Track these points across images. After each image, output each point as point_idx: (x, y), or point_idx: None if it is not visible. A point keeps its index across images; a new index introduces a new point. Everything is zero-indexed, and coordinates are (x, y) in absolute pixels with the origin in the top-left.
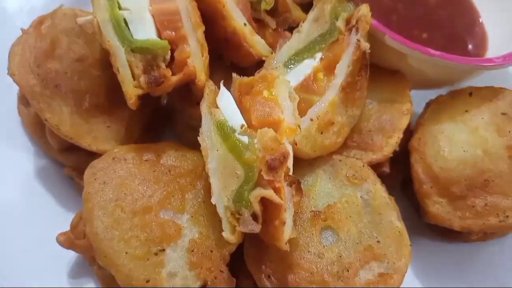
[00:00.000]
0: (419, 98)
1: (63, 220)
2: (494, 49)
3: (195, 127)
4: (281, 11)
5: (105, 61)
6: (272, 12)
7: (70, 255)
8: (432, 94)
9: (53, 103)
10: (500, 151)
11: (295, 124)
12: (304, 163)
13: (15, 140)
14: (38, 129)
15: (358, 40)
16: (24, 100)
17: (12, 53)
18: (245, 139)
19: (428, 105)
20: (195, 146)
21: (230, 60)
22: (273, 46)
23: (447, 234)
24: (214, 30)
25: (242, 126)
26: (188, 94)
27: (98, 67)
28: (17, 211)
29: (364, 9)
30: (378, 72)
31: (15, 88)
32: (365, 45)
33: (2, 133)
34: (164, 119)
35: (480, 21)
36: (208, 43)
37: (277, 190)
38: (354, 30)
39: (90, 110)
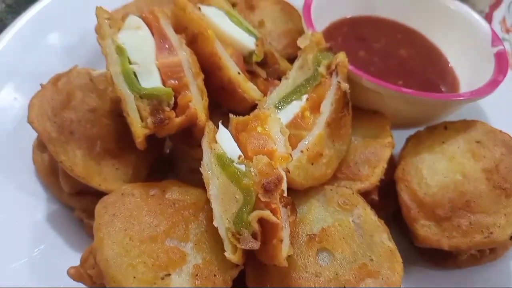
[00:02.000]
0: (399, 136)
1: (73, 260)
2: (466, 90)
3: (197, 170)
4: (270, 63)
5: (115, 111)
6: (263, 64)
7: None
8: (411, 131)
9: (67, 147)
10: (477, 174)
11: (287, 153)
12: (299, 194)
13: (29, 187)
14: (51, 175)
15: (339, 82)
16: (40, 146)
17: (31, 105)
18: (242, 167)
19: (408, 140)
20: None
21: (227, 107)
22: (264, 93)
23: (440, 260)
24: (211, 80)
25: (239, 157)
26: (190, 138)
27: (108, 116)
28: (28, 253)
29: (341, 55)
30: (360, 113)
31: (30, 140)
32: (345, 86)
33: (17, 182)
34: (167, 165)
35: (450, 66)
36: (207, 91)
37: (273, 211)
38: (334, 73)
39: (101, 154)
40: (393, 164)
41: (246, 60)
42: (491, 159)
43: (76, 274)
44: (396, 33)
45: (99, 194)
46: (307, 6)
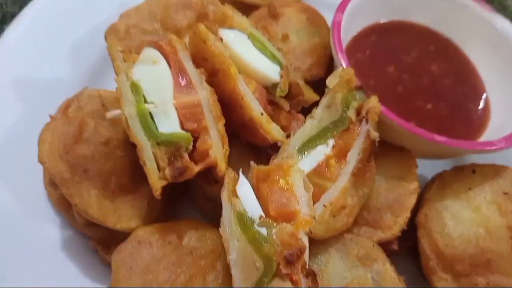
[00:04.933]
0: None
1: None
2: (497, 118)
3: (212, 199)
4: (294, 94)
5: (128, 141)
6: (286, 95)
7: None
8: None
9: (81, 188)
10: (501, 231)
11: (310, 216)
12: (317, 242)
13: (42, 212)
14: (64, 205)
15: (368, 130)
16: (52, 184)
17: (41, 141)
18: (263, 230)
19: (433, 180)
20: (213, 217)
21: (246, 140)
22: (287, 128)
23: None
24: (232, 115)
25: (260, 217)
26: (207, 173)
27: (122, 148)
28: (43, 281)
29: (374, 100)
30: (385, 147)
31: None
32: (375, 135)
33: (29, 206)
34: (183, 190)
35: (482, 87)
36: (226, 123)
37: (294, 283)
38: (364, 120)
39: (115, 191)
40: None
41: (269, 91)
42: None
43: None
44: (428, 44)
45: None
46: (336, 26)
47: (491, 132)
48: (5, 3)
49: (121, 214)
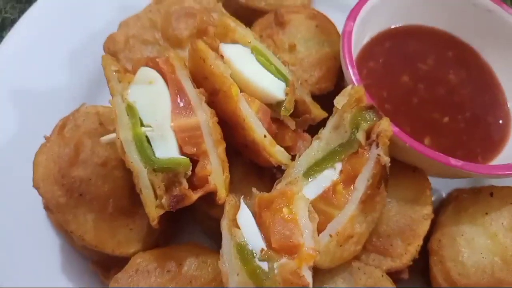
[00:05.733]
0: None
1: None
2: None
3: (216, 218)
4: (301, 111)
5: None
6: (292, 113)
7: None
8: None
9: (78, 213)
10: None
11: (314, 250)
12: (324, 270)
13: (42, 232)
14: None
15: (379, 155)
16: (47, 208)
17: (36, 164)
18: (264, 265)
19: (449, 201)
20: (217, 236)
21: (249, 158)
22: (293, 149)
23: None
24: (234, 135)
25: (262, 250)
26: (209, 195)
27: (120, 168)
28: None
29: (385, 123)
30: (397, 167)
31: None
32: (386, 160)
33: (29, 226)
34: (186, 209)
35: (503, 97)
36: (229, 142)
37: None
38: (374, 144)
39: (113, 214)
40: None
41: (273, 109)
42: None
43: None
44: (446, 50)
45: None
46: (347, 37)
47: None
48: (5, 8)
49: (119, 239)
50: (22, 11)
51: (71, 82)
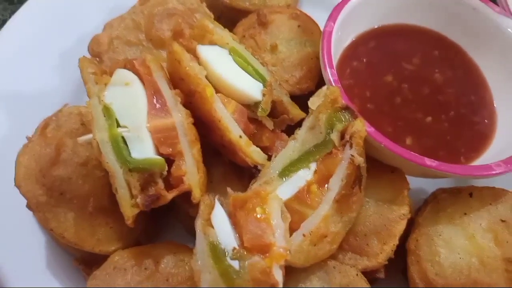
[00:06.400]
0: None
1: None
2: (503, 132)
3: (194, 217)
4: (279, 111)
5: None
6: (270, 113)
7: None
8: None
9: (58, 211)
10: (496, 262)
11: (285, 249)
12: (300, 269)
13: (27, 229)
14: None
15: (352, 155)
16: (29, 207)
17: (18, 164)
18: (236, 264)
19: (427, 202)
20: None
21: (228, 158)
22: (270, 149)
23: None
24: (211, 136)
25: (234, 249)
26: (188, 194)
27: (101, 168)
28: None
29: (358, 124)
30: (376, 167)
31: None
32: (359, 160)
33: (15, 222)
34: (168, 207)
35: (489, 96)
36: (208, 142)
37: None
38: (348, 145)
39: (93, 213)
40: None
41: (251, 109)
42: None
43: None
44: (432, 49)
45: None
46: (326, 37)
47: (496, 149)
48: None
49: (99, 237)
50: (13, 13)
51: (58, 83)
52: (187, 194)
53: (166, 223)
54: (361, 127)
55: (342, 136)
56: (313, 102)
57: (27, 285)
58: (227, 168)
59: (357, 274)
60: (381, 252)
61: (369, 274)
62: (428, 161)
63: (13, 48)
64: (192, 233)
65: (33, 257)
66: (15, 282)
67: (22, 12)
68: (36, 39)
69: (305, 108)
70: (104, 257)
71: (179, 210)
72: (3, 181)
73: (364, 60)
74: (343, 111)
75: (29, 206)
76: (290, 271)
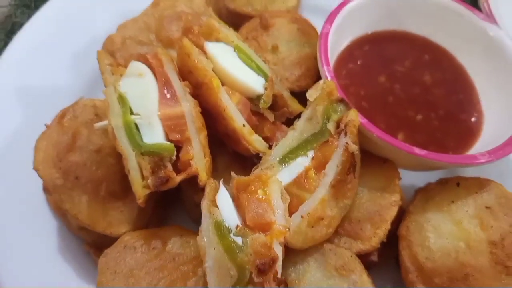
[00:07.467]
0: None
1: None
2: (489, 129)
3: (199, 204)
4: (279, 105)
5: None
6: (271, 106)
7: None
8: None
9: (73, 194)
10: (481, 245)
11: (284, 227)
12: (298, 251)
13: (40, 216)
14: (61, 209)
15: (347, 143)
16: (46, 190)
17: (37, 149)
18: (239, 240)
19: (417, 193)
20: (200, 221)
21: (231, 149)
22: (271, 139)
23: None
24: (217, 125)
25: (237, 226)
26: (194, 181)
27: (113, 155)
28: (39, 282)
29: (352, 114)
30: (369, 159)
31: None
32: (353, 147)
33: (28, 210)
34: (175, 196)
35: (476, 96)
36: (214, 132)
37: None
38: (343, 133)
39: (105, 197)
40: (401, 210)
41: (253, 102)
42: (498, 231)
43: None
44: (423, 53)
45: None
46: (323, 38)
47: (483, 144)
48: (14, 14)
49: (111, 220)
50: (31, 17)
51: (72, 79)
52: (192, 181)
53: (173, 211)
54: (355, 116)
55: (337, 126)
56: (311, 94)
57: (39, 268)
58: (231, 158)
59: (351, 256)
60: (374, 236)
61: (363, 258)
62: (417, 150)
63: (32, 47)
64: (197, 221)
65: (44, 241)
66: (26, 264)
67: (39, 15)
68: (53, 40)
69: (303, 104)
70: (114, 241)
71: (185, 198)
72: (19, 167)
73: (359, 62)
74: (338, 103)
75: (46, 188)
76: (288, 253)
